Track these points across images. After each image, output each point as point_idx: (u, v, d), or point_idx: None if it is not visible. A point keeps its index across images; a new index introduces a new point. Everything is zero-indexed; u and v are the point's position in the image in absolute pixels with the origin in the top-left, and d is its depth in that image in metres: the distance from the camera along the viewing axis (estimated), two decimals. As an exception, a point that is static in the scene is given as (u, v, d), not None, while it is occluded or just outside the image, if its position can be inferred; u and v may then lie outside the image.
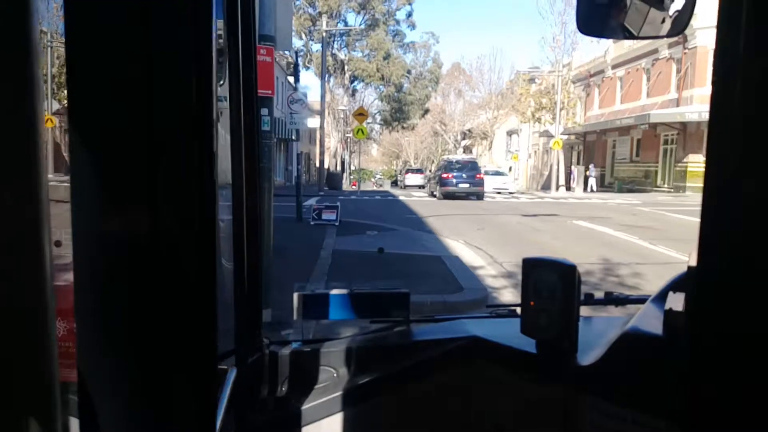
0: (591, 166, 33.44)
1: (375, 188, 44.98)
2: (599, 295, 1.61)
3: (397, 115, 51.13)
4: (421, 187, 35.63)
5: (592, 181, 32.51)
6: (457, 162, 25.51)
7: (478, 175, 24.06)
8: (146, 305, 0.73)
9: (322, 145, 32.07)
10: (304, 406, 1.36)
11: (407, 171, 44.25)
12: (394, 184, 47.75)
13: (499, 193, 30.60)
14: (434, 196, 24.77)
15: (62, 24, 0.71)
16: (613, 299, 1.60)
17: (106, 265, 0.73)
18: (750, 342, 0.64)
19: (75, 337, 0.75)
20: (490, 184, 28.90)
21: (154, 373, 0.75)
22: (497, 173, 34.80)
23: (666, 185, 28.81)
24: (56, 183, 0.77)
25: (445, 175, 24.24)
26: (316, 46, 43.33)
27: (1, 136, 0.46)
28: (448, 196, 23.36)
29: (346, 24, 45.20)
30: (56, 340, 0.53)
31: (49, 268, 0.50)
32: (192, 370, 0.77)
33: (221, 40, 1.19)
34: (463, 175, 23.87)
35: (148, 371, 0.74)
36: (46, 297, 0.50)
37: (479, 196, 23.69)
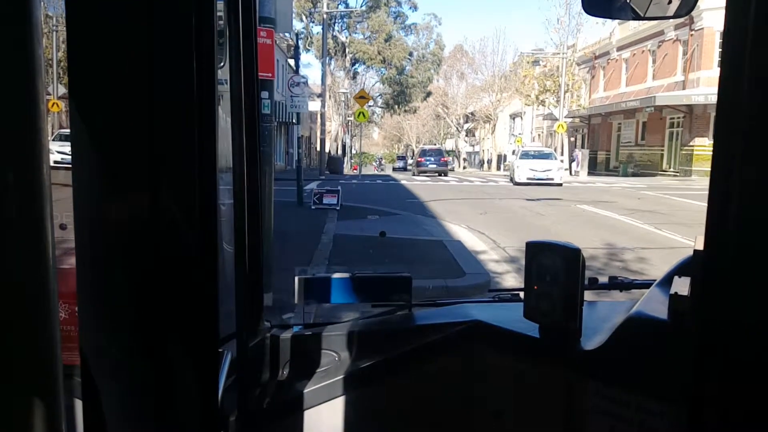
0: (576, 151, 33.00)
1: (376, 172, 45.31)
2: (603, 279, 1.60)
3: (399, 98, 50.88)
4: (405, 168, 46.50)
5: (574, 165, 31.57)
6: (428, 150, 36.25)
7: (442, 158, 34.44)
8: (148, 289, 0.73)
9: (323, 129, 31.95)
10: (306, 390, 1.36)
11: (396, 158, 60.10)
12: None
13: (541, 184, 22.26)
14: (413, 174, 34.07)
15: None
16: (617, 284, 1.59)
17: (107, 248, 0.73)
18: (755, 326, 0.63)
19: (77, 320, 0.75)
20: (522, 173, 23.43)
21: (155, 356, 0.75)
22: (540, 155, 25.01)
23: (672, 169, 28.69)
24: (62, 168, 0.77)
25: (419, 159, 34.79)
26: (316, 29, 43.04)
27: (2, 119, 0.46)
28: (422, 172, 33.15)
29: (347, 6, 44.84)
30: (59, 323, 0.52)
31: (51, 251, 0.50)
32: (193, 354, 0.77)
33: (221, 22, 1.17)
34: (431, 159, 34.07)
35: (150, 354, 0.75)
36: (48, 280, 0.50)
37: (444, 173, 33.16)
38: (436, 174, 32.33)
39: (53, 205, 0.51)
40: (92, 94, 0.70)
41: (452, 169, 45.99)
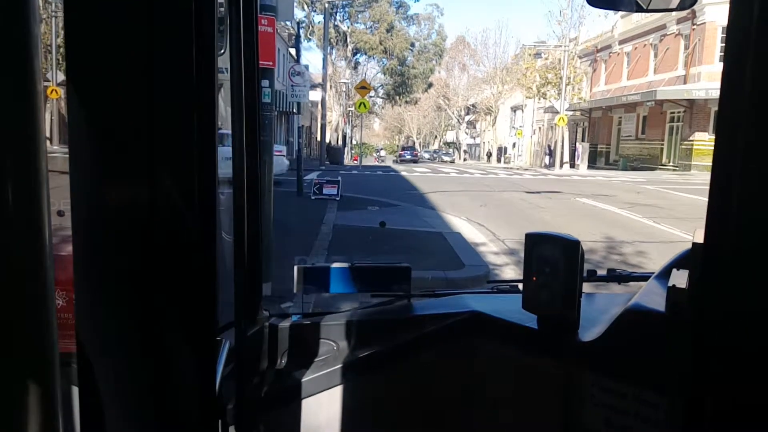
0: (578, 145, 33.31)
1: (377, 163, 45.71)
2: (602, 272, 1.60)
3: (400, 89, 50.80)
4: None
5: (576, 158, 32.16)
6: (406, 147, 54.46)
7: (414, 152, 51.43)
8: (146, 276, 0.73)
9: (323, 119, 31.87)
10: (304, 379, 1.37)
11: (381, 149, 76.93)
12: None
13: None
14: (395, 162, 48.70)
15: None
16: (616, 276, 1.60)
17: (105, 235, 0.73)
18: (753, 318, 0.63)
19: (74, 308, 0.75)
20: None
21: (153, 344, 0.75)
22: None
23: (671, 163, 28.66)
24: (62, 155, 0.76)
25: (400, 153, 52.40)
26: (318, 18, 42.88)
27: None
28: (402, 161, 46.92)
29: (349, -5, 44.58)
30: (56, 310, 0.52)
31: (49, 238, 0.50)
32: (192, 342, 0.77)
33: (222, 9, 1.16)
34: (408, 152, 50.85)
35: (148, 342, 0.75)
36: (45, 267, 0.49)
37: (415, 162, 46.27)
38: (411, 162, 45.66)
39: (51, 192, 0.51)
40: (90, 81, 0.70)
41: (452, 161, 52.59)
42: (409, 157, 49.47)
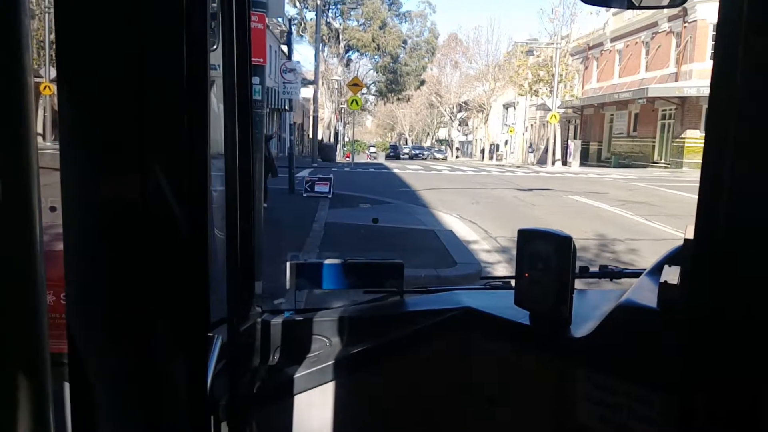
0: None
1: (369, 160, 45.71)
2: (594, 269, 1.61)
3: (393, 86, 50.83)
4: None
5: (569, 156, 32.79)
6: (392, 145, 61.18)
7: (398, 150, 57.34)
8: (137, 273, 0.73)
9: (315, 116, 31.81)
10: (296, 375, 1.37)
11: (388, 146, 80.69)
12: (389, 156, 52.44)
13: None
14: (385, 157, 53.00)
15: None
16: (608, 272, 1.61)
17: (96, 233, 0.72)
18: (744, 314, 0.64)
19: (64, 306, 0.74)
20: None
21: (145, 341, 0.74)
22: None
23: (663, 161, 28.80)
24: (53, 151, 0.76)
25: (389, 151, 56.90)
26: (310, 14, 42.76)
27: None
28: (388, 157, 51.81)
29: (341, -9, 44.49)
30: (47, 309, 0.52)
31: (39, 236, 0.49)
32: (183, 338, 0.77)
33: (214, 5, 1.16)
34: (394, 150, 56.78)
35: (139, 338, 0.74)
36: (36, 267, 0.49)
37: (398, 157, 52.16)
38: (395, 158, 51.30)
39: (45, 189, 0.51)
40: (82, 78, 0.69)
41: (444, 158, 53.86)
42: (393, 153, 57.40)
